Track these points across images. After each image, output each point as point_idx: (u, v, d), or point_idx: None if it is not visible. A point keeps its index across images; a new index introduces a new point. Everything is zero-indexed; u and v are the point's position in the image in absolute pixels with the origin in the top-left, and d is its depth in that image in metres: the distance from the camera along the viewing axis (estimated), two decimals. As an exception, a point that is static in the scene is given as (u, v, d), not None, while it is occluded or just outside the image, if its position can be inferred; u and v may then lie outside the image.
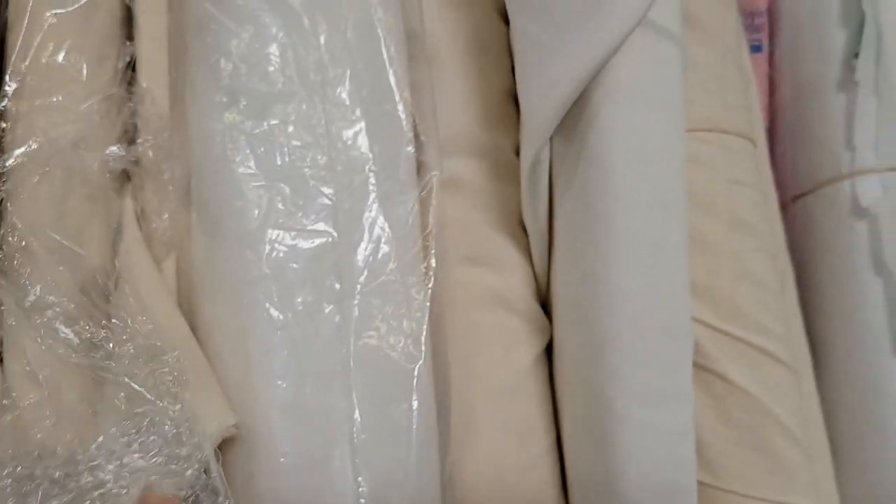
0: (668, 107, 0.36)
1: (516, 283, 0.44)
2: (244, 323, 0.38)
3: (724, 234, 0.43)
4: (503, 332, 0.44)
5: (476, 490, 0.42)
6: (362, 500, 0.36)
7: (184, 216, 0.41)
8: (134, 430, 0.32)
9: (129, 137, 0.43)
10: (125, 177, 0.43)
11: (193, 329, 0.39)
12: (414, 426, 0.37)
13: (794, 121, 0.52)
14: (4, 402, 0.36)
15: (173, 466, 0.32)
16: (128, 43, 0.44)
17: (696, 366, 0.42)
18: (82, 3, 0.41)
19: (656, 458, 0.37)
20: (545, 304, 0.45)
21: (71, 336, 0.36)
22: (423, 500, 0.37)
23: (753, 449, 0.42)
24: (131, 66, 0.45)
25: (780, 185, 0.53)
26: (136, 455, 0.32)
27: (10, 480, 0.33)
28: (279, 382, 0.37)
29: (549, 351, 0.45)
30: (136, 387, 0.34)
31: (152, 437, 0.32)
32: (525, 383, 0.44)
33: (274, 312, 0.37)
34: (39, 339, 0.36)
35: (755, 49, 0.53)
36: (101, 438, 0.32)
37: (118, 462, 0.32)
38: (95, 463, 0.32)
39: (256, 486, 0.36)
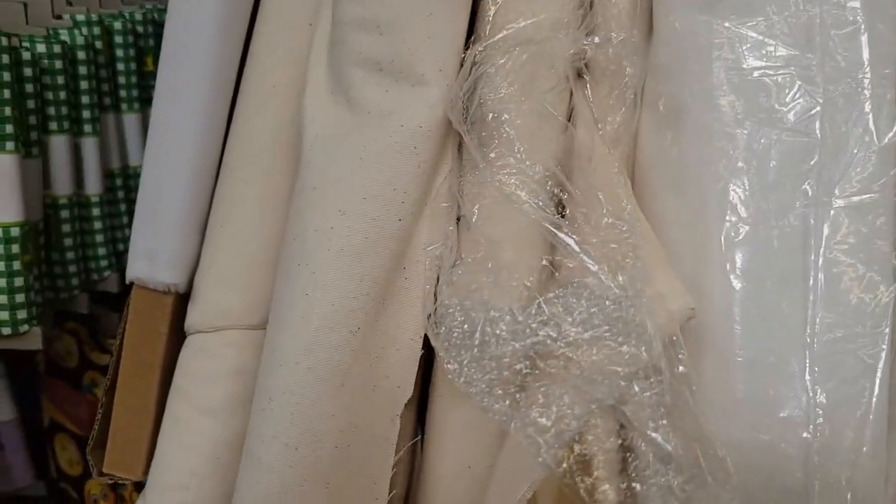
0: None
1: None
2: (706, 217, 0.37)
3: None
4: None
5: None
6: (819, 411, 0.34)
7: (633, 114, 0.42)
8: (574, 299, 0.32)
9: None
10: (577, 75, 0.44)
11: (641, 222, 0.40)
12: (880, 362, 0.35)
13: None
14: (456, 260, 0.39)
15: (611, 343, 0.32)
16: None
17: None
18: None
19: None
20: None
21: (524, 196, 0.38)
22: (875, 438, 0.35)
23: None
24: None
25: None
26: (575, 326, 0.32)
27: (456, 333, 0.35)
28: (737, 281, 0.36)
29: None
30: (586, 259, 0.34)
31: (593, 310, 0.32)
32: None
33: (741, 208, 0.36)
34: (495, 194, 0.38)
35: None
36: (540, 301, 0.33)
37: (556, 327, 0.32)
38: (534, 324, 0.33)
39: (704, 376, 0.36)
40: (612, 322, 0.31)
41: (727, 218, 0.37)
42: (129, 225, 0.70)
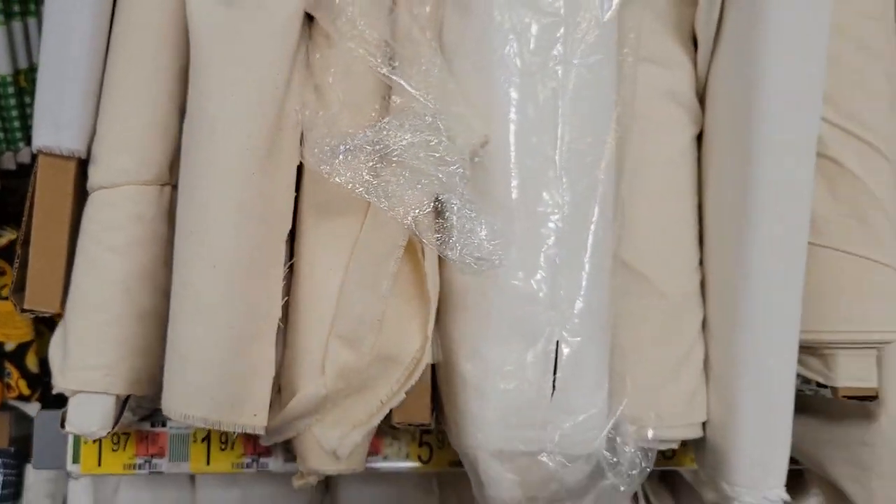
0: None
1: (683, 80, 0.58)
2: (491, 75, 0.52)
3: (851, 54, 0.56)
4: (670, 118, 0.58)
5: (637, 236, 0.57)
6: (567, 198, 0.51)
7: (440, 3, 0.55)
8: (405, 118, 0.47)
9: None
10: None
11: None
12: (603, 159, 0.52)
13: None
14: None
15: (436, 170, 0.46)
16: None
17: (816, 154, 0.55)
18: None
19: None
20: (702, 99, 0.59)
21: (366, 55, 0.51)
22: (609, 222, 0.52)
23: (852, 217, 0.55)
24: None
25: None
26: (406, 134, 0.47)
27: (327, 149, 0.48)
28: (513, 111, 0.51)
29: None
30: (413, 92, 0.49)
31: (417, 123, 0.47)
32: (683, 158, 0.58)
33: (513, 69, 0.52)
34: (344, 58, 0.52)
35: None
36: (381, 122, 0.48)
37: (394, 136, 0.47)
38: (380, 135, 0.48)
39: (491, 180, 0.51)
40: (431, 130, 0.46)
41: (505, 75, 0.52)
42: None
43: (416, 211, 0.46)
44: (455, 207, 0.46)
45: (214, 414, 0.50)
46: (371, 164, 0.46)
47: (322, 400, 0.51)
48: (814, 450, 0.64)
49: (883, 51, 0.57)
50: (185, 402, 0.50)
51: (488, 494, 0.52)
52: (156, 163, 0.56)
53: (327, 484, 0.95)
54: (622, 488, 0.51)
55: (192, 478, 0.95)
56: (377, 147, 0.46)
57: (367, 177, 0.46)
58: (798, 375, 0.58)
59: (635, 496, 0.98)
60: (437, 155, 0.46)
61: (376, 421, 0.52)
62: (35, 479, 1.03)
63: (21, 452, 1.05)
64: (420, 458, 0.70)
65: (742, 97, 0.53)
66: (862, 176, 0.55)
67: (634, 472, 0.52)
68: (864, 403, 0.59)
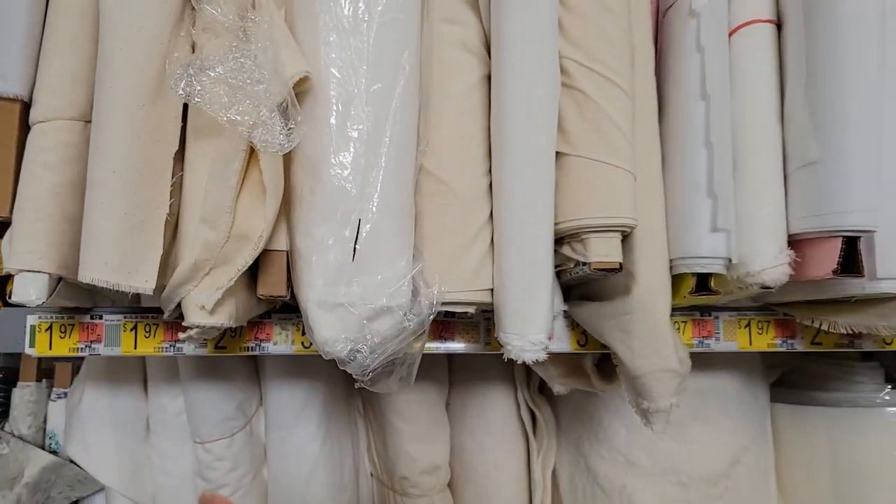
0: None
1: (472, 34, 0.77)
2: (318, 25, 0.71)
3: (597, 13, 0.74)
4: (462, 62, 0.77)
5: (439, 151, 0.76)
6: (370, 116, 0.69)
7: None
8: (232, 61, 0.66)
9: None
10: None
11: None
12: (397, 89, 0.71)
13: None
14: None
15: (253, 87, 0.66)
16: None
17: (567, 86, 0.74)
18: None
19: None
20: (489, 49, 0.78)
21: (222, 18, 0.71)
22: (405, 138, 0.71)
23: (595, 133, 0.73)
24: None
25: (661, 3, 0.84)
26: (227, 63, 0.66)
27: (194, 69, 0.68)
28: (332, 56, 0.71)
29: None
30: (241, 37, 0.68)
31: (239, 56, 0.66)
32: (473, 92, 0.77)
33: (335, 27, 0.71)
34: (207, 19, 0.71)
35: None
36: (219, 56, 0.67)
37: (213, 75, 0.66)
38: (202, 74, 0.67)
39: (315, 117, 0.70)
40: (246, 57, 0.66)
41: (326, 31, 0.71)
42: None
43: (236, 115, 0.65)
44: (261, 111, 0.65)
45: (114, 278, 0.69)
46: (204, 83, 0.65)
47: (193, 268, 0.70)
48: (598, 325, 0.82)
49: (622, 11, 0.75)
50: (93, 269, 0.69)
51: (317, 335, 0.70)
52: (80, 104, 0.76)
53: (261, 388, 1.14)
54: (410, 326, 0.70)
55: (144, 388, 1.15)
56: (207, 71, 0.66)
57: (198, 88, 0.65)
58: (570, 259, 0.77)
59: (517, 406, 1.16)
60: (248, 75, 0.65)
61: (232, 282, 0.71)
62: (20, 400, 1.23)
63: (8, 378, 1.24)
64: (303, 345, 0.89)
65: (496, 40, 0.72)
66: (602, 103, 0.73)
67: (421, 317, 0.70)
68: (624, 281, 0.78)
